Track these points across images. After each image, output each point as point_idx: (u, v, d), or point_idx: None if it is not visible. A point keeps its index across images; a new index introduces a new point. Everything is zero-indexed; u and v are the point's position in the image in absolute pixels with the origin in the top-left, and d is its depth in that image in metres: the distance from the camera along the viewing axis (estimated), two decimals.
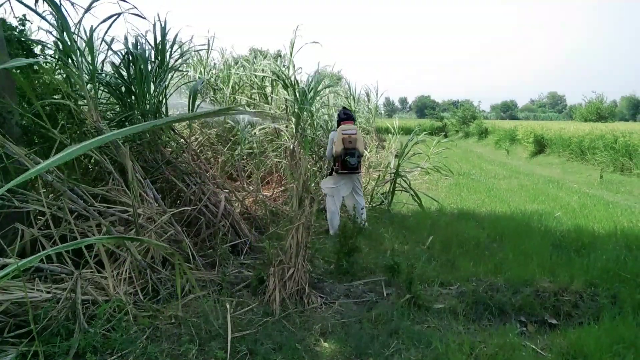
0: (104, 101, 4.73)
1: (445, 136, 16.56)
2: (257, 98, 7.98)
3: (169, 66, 4.73)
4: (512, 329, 2.95)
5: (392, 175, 6.71)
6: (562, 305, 3.31)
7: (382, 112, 37.87)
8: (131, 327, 2.72)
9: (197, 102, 4.98)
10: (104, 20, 4.00)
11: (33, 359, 2.30)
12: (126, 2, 3.95)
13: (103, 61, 4.52)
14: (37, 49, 3.98)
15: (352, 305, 3.31)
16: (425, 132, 10.99)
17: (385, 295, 3.47)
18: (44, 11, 3.68)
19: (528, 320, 3.18)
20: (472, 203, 7.17)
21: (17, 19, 3.66)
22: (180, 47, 5.93)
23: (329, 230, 5.26)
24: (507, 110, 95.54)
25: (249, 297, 3.35)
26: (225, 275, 3.60)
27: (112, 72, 4.48)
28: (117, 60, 4.43)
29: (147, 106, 4.39)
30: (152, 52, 4.54)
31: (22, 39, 3.62)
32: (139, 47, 4.30)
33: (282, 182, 6.94)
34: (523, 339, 2.86)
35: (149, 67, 4.38)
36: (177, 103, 6.68)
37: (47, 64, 4.03)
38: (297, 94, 6.70)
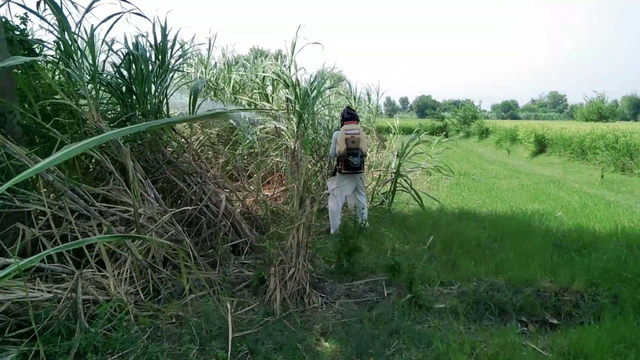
0: (105, 101, 4.73)
1: (446, 136, 16.54)
2: (258, 98, 7.98)
3: (170, 66, 4.73)
4: (513, 328, 2.95)
5: (393, 175, 6.71)
6: (563, 305, 3.31)
7: (383, 111, 37.89)
8: (132, 326, 2.72)
9: (198, 102, 4.98)
10: (105, 20, 4.00)
11: (34, 358, 2.31)
12: (127, 2, 3.96)
13: (104, 61, 4.53)
14: (38, 49, 3.98)
15: (352, 305, 3.31)
16: (426, 132, 10.99)
17: (386, 295, 3.47)
18: (44, 10, 3.69)
19: (529, 320, 3.17)
20: (473, 203, 7.16)
21: (19, 18, 3.67)
22: (181, 46, 5.94)
23: (330, 230, 5.26)
24: (508, 110, 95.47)
25: (250, 296, 3.35)
26: (226, 275, 3.60)
27: (113, 72, 4.49)
28: (118, 61, 4.44)
29: (148, 106, 4.39)
30: (153, 52, 4.55)
31: (23, 39, 3.62)
32: (139, 47, 4.30)
33: (283, 182, 6.94)
34: (524, 339, 2.86)
35: (150, 68, 4.38)
36: (178, 103, 6.69)
37: (49, 64, 4.04)
38: (299, 94, 6.70)
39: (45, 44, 3.95)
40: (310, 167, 6.79)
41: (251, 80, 7.98)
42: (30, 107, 3.49)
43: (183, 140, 4.88)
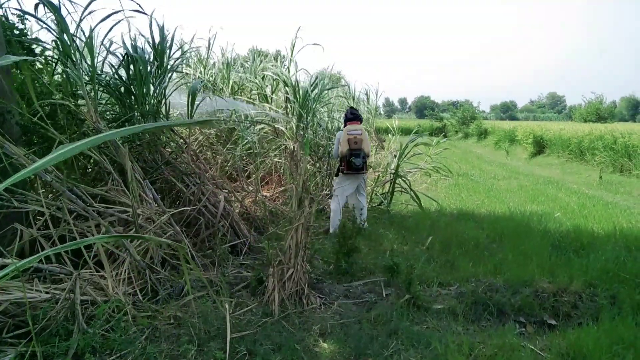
0: (104, 102, 4.73)
1: (445, 137, 16.56)
2: (257, 98, 7.98)
3: (168, 67, 4.73)
4: (511, 329, 2.95)
5: (392, 175, 6.71)
6: (561, 306, 3.31)
7: (382, 112, 37.88)
8: (130, 327, 2.72)
9: (197, 102, 4.98)
10: (104, 19, 3.98)
11: (32, 359, 2.30)
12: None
13: (102, 62, 4.52)
14: (37, 49, 3.97)
15: (351, 305, 3.31)
16: (424, 133, 11.00)
17: (384, 295, 3.47)
18: (44, 14, 3.68)
19: (527, 321, 3.18)
20: (471, 204, 7.17)
21: (17, 16, 3.65)
22: (181, 47, 5.94)
23: (330, 229, 5.27)
24: (507, 110, 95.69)
25: (248, 297, 3.35)
26: (224, 276, 3.60)
27: (112, 73, 4.48)
28: (116, 61, 4.43)
29: (147, 107, 4.39)
30: (152, 53, 4.55)
31: (20, 40, 3.61)
32: (138, 48, 4.29)
33: (282, 183, 6.94)
34: (522, 340, 2.86)
35: (148, 68, 4.38)
36: (177, 103, 6.68)
37: (48, 64, 4.03)
38: (298, 94, 6.70)
39: (45, 44, 3.94)
40: (309, 167, 6.79)
41: (250, 81, 7.98)
42: (28, 107, 3.48)
43: (182, 140, 4.87)
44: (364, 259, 4.19)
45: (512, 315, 3.23)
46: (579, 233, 5.12)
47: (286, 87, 7.25)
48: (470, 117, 30.38)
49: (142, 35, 4.54)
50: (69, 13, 4.29)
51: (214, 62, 8.38)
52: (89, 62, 3.93)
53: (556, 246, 4.64)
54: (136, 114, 4.32)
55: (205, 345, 2.64)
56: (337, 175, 5.44)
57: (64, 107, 3.66)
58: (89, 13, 3.76)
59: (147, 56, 4.38)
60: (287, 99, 7.33)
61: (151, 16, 4.50)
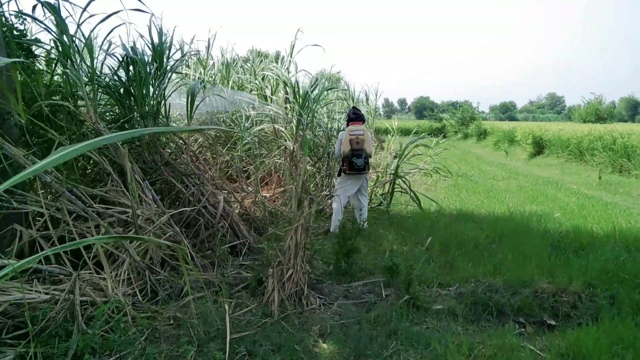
0: (103, 103, 4.73)
1: (444, 137, 16.58)
2: (257, 99, 7.98)
3: (167, 68, 4.73)
4: (511, 329, 2.95)
5: (392, 176, 6.71)
6: (561, 306, 3.31)
7: (381, 113, 37.89)
8: (130, 328, 2.72)
9: (196, 103, 4.98)
10: (103, 20, 3.97)
11: None
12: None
13: (102, 63, 4.52)
14: (38, 51, 3.97)
15: (350, 306, 3.31)
16: (424, 133, 11.01)
17: (384, 296, 3.47)
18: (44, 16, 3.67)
19: (527, 321, 3.18)
20: (471, 204, 7.17)
21: (15, 17, 3.64)
22: (181, 47, 5.94)
23: (330, 228, 5.28)
24: (506, 111, 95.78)
25: (248, 298, 3.35)
26: (224, 276, 3.60)
27: (111, 74, 4.48)
28: (116, 62, 4.43)
29: (146, 108, 4.39)
30: (151, 54, 4.54)
31: (20, 41, 3.61)
32: (136, 51, 4.29)
33: (282, 183, 6.94)
34: (522, 340, 2.87)
35: (148, 69, 4.38)
36: (176, 103, 6.68)
37: (49, 66, 4.03)
38: (298, 96, 6.71)
39: (43, 44, 3.93)
40: (308, 168, 6.79)
41: (250, 82, 7.98)
42: (28, 108, 3.48)
43: (181, 141, 4.88)
44: (363, 259, 4.20)
45: (511, 316, 3.23)
46: (579, 233, 5.12)
47: (286, 88, 7.25)
48: (470, 118, 30.43)
49: (142, 37, 4.55)
50: (70, 15, 4.29)
51: (213, 63, 8.38)
52: (88, 64, 3.92)
53: (555, 246, 4.64)
54: (136, 115, 4.32)
55: (204, 346, 2.64)
56: (339, 175, 5.45)
57: (64, 108, 3.66)
58: (91, 16, 3.75)
59: (146, 58, 4.38)
60: (286, 100, 7.33)
61: (150, 19, 4.51)
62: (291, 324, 2.99)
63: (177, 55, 5.46)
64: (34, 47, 3.81)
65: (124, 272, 3.14)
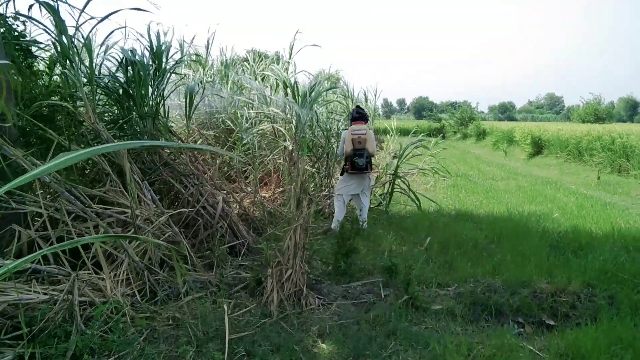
0: (102, 103, 4.72)
1: (443, 137, 16.61)
2: (256, 99, 7.98)
3: (166, 69, 4.73)
4: (510, 330, 2.96)
5: (391, 176, 6.72)
6: (560, 306, 3.32)
7: (380, 113, 37.90)
8: (128, 328, 2.72)
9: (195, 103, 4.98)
10: (103, 20, 3.96)
11: None
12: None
13: (101, 64, 4.52)
14: (39, 52, 3.97)
15: (349, 306, 3.31)
16: (423, 134, 11.02)
17: (383, 296, 3.47)
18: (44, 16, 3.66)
19: (525, 321, 3.18)
20: (470, 204, 7.18)
21: (14, 18, 3.64)
22: (181, 48, 5.93)
23: (332, 225, 5.32)
24: (505, 111, 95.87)
25: (247, 298, 3.35)
26: (223, 277, 3.59)
27: (110, 74, 4.48)
28: (115, 64, 4.43)
29: (145, 109, 4.39)
30: (150, 56, 4.54)
31: (17, 42, 3.60)
32: (134, 54, 4.29)
33: (281, 183, 6.94)
34: (520, 340, 2.87)
35: (147, 70, 4.38)
36: (175, 104, 6.68)
37: (49, 67, 4.02)
38: (297, 96, 6.70)
39: (41, 44, 3.93)
40: (307, 168, 6.79)
41: (250, 82, 7.96)
42: (27, 108, 3.48)
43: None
44: (362, 259, 4.20)
45: (510, 316, 3.24)
46: (577, 233, 5.13)
47: (286, 89, 7.25)
48: (469, 118, 30.46)
49: (141, 37, 4.54)
50: (69, 14, 4.28)
51: (213, 63, 8.37)
52: (87, 64, 3.92)
53: (554, 246, 4.65)
54: (134, 115, 4.31)
55: (203, 346, 2.64)
56: (342, 174, 5.47)
57: (63, 109, 3.66)
58: (91, 18, 3.74)
59: (145, 60, 4.38)
60: (287, 99, 7.31)
61: (149, 24, 4.51)
62: (290, 324, 2.99)
63: (177, 56, 5.45)
64: (34, 48, 3.80)
65: (123, 273, 3.13)
